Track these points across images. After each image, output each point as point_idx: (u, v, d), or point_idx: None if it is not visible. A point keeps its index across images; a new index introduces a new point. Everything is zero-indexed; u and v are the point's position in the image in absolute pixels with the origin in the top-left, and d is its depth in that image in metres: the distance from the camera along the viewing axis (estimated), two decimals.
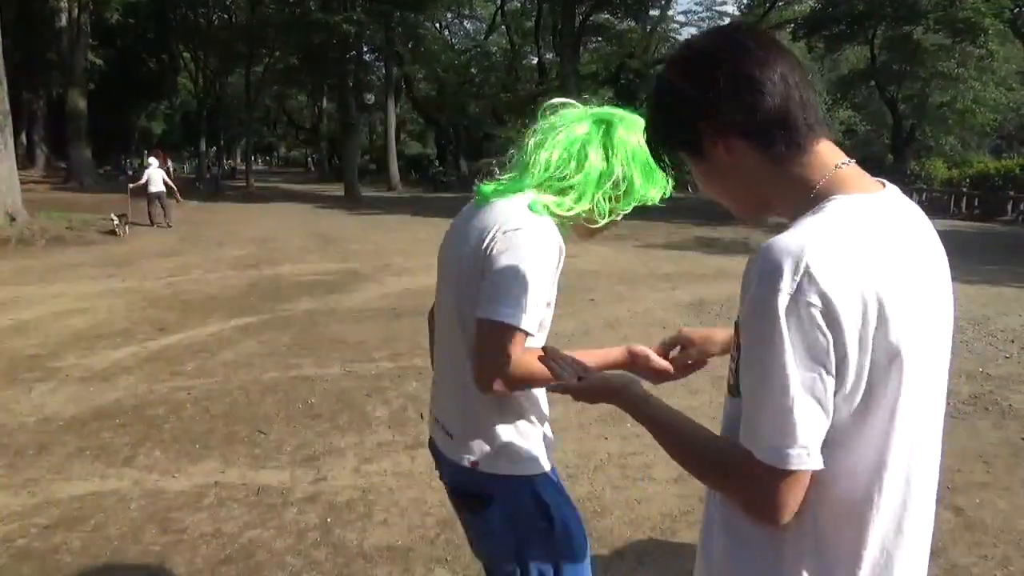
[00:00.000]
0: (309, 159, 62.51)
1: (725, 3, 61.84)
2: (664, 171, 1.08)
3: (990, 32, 22.32)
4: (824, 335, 0.82)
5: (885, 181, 0.99)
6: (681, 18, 56.10)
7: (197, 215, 18.28)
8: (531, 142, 1.47)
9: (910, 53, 26.61)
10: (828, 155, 0.95)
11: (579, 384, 1.15)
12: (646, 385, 1.16)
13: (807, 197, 0.93)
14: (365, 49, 33.15)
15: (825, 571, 0.92)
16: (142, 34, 34.94)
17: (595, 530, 2.89)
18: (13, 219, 12.49)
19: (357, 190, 28.31)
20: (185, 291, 8.19)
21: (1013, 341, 6.05)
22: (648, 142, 1.06)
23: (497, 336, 1.31)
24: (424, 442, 3.90)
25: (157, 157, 17.85)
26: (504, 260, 1.33)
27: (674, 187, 1.49)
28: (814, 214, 0.89)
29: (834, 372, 0.84)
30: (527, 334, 1.32)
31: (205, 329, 6.35)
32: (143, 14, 31.96)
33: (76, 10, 26.39)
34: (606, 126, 1.45)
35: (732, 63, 0.92)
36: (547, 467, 1.48)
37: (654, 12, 31.86)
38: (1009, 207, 20.21)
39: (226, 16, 37.23)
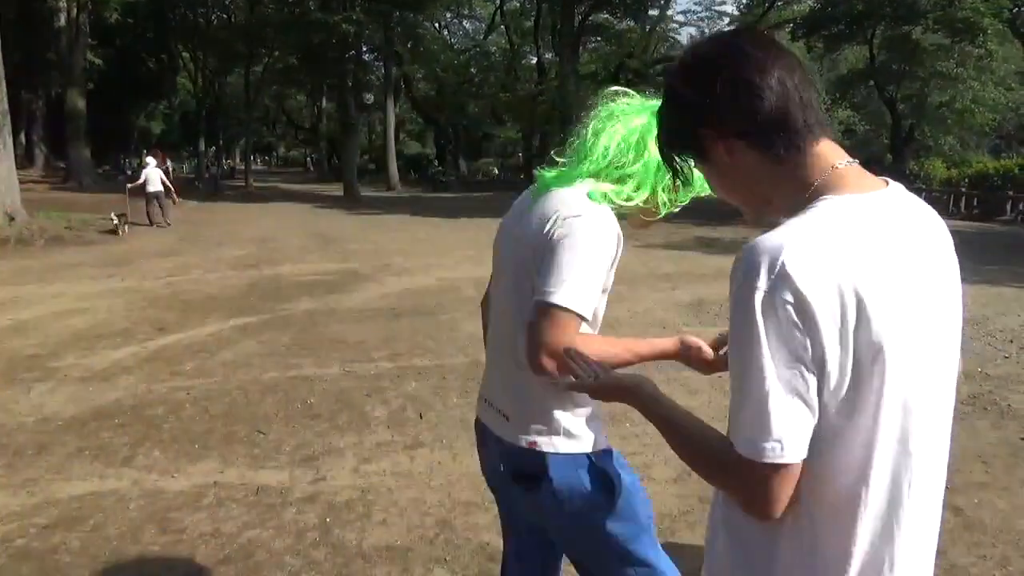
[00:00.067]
0: (308, 159, 62.48)
1: (724, 3, 61.91)
2: (676, 173, 1.11)
3: (989, 32, 22.33)
4: (800, 332, 0.84)
5: (889, 180, 0.99)
6: (680, 18, 56.23)
7: (196, 215, 18.28)
8: (590, 129, 1.50)
9: (909, 53, 26.60)
10: (827, 156, 0.96)
11: (594, 383, 1.19)
12: (659, 381, 1.17)
13: (803, 197, 0.95)
14: (364, 49, 33.16)
15: (817, 568, 0.93)
16: (141, 34, 34.91)
17: None
18: (12, 219, 12.49)
19: (356, 190, 28.29)
20: (185, 291, 8.18)
21: (1012, 341, 6.05)
22: (658, 145, 1.10)
23: (552, 318, 1.33)
24: (423, 442, 3.92)
25: (155, 157, 17.84)
26: (564, 245, 1.35)
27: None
28: (801, 214, 0.92)
29: (814, 369, 0.85)
30: (582, 318, 1.35)
31: (204, 329, 6.35)
32: (142, 14, 31.92)
33: (75, 10, 26.33)
34: None
35: (731, 69, 0.95)
36: (604, 443, 1.51)
37: (653, 12, 31.85)
38: (1008, 207, 20.19)
39: (225, 16, 37.21)
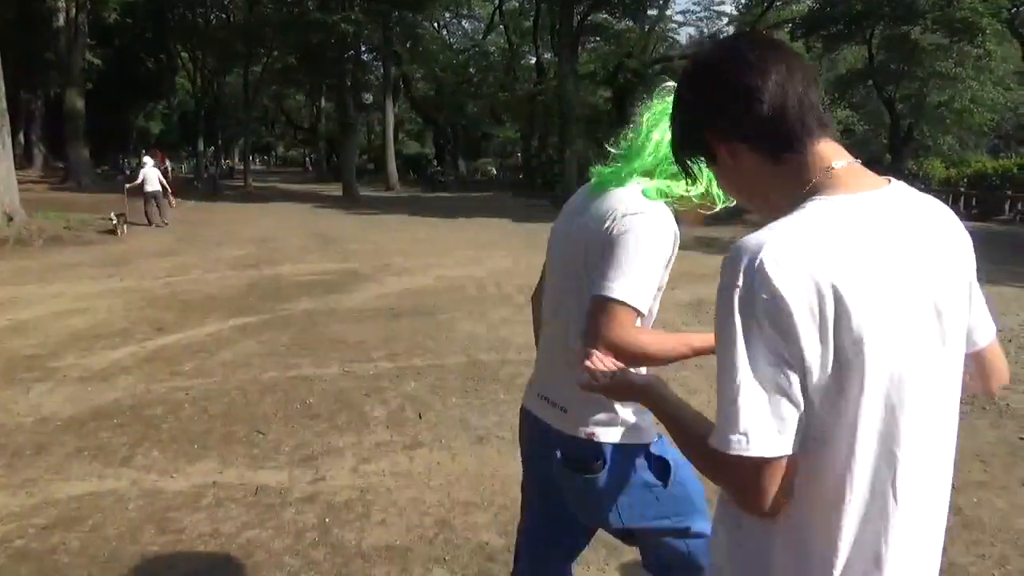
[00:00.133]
0: (307, 159, 62.45)
1: (723, 3, 61.90)
2: (687, 174, 1.16)
3: (988, 32, 22.30)
4: (777, 329, 0.86)
5: (892, 179, 1.00)
6: (679, 18, 56.22)
7: (195, 215, 18.27)
8: (644, 123, 1.54)
9: (908, 53, 26.58)
10: (826, 156, 0.97)
11: (607, 383, 1.23)
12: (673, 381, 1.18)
13: (799, 196, 0.97)
14: (363, 49, 33.17)
15: (807, 563, 0.95)
16: (140, 34, 34.90)
17: None
18: (11, 219, 12.47)
19: (355, 190, 28.25)
20: (184, 291, 8.18)
21: (1011, 341, 6.05)
22: (672, 148, 1.15)
23: (609, 312, 1.36)
24: (422, 442, 3.92)
25: (154, 156, 17.84)
26: (622, 242, 1.40)
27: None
28: (789, 214, 0.94)
29: (796, 365, 0.87)
30: (638, 312, 1.38)
31: (204, 329, 6.34)
32: (141, 14, 31.91)
33: (74, 10, 26.30)
34: None
35: (731, 74, 0.98)
36: (655, 432, 1.56)
37: (652, 12, 31.79)
38: (1007, 206, 20.19)
39: (224, 16, 37.19)
